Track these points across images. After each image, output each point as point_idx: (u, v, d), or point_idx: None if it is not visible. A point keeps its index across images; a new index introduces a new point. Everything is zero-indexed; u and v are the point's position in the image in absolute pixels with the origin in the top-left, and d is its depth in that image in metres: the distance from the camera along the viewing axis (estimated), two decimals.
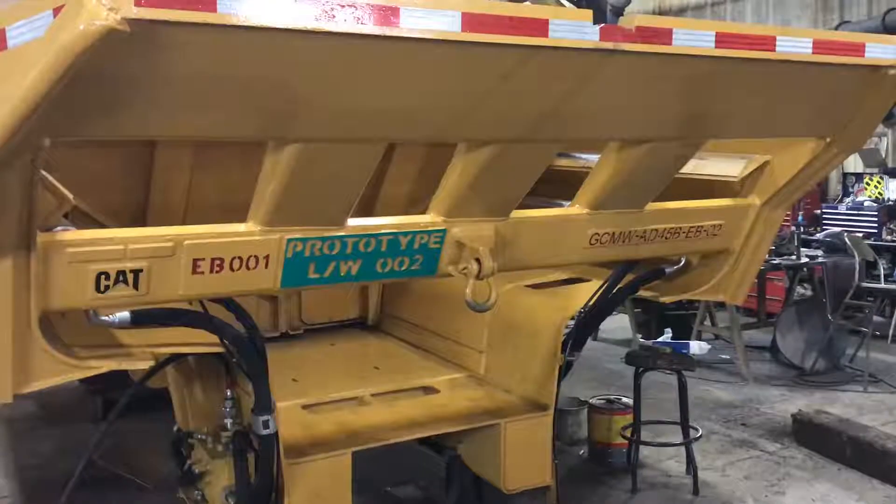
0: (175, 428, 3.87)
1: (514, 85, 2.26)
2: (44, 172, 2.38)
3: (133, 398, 3.32)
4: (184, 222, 3.94)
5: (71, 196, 2.42)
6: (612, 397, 4.98)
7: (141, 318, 2.74)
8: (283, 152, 2.41)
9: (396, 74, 2.15)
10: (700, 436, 4.80)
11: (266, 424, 2.99)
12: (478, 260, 2.90)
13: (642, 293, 3.81)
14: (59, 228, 2.43)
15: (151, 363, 2.76)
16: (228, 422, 3.39)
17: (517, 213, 3.07)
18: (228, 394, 3.40)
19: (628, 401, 4.88)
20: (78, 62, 1.70)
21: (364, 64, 2.09)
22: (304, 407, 3.75)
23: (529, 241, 3.13)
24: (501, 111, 2.45)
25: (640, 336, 6.86)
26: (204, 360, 3.49)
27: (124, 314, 2.71)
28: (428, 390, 4.02)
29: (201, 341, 3.00)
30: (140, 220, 4.18)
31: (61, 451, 5.21)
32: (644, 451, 4.83)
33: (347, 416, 3.64)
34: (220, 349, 2.98)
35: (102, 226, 3.83)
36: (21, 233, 2.24)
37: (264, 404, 3.00)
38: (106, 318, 2.68)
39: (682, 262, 3.79)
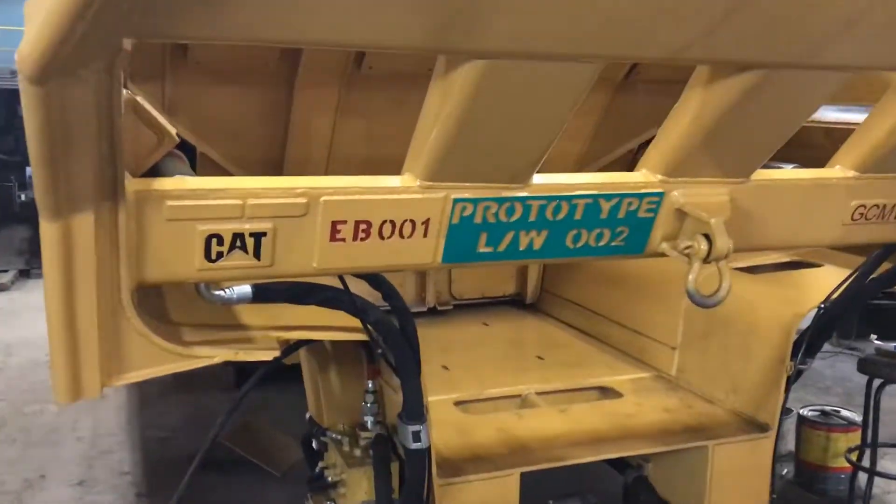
0: (307, 415, 3.32)
1: None
2: (139, 100, 1.78)
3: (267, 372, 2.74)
4: None
5: (174, 131, 1.81)
6: (827, 408, 4.07)
7: (265, 295, 2.14)
8: (457, 74, 1.71)
9: None
10: None
11: (417, 437, 2.33)
12: (707, 236, 2.12)
13: None
14: (178, 176, 1.83)
15: (276, 354, 2.15)
16: (369, 420, 2.77)
17: (760, 175, 2.25)
18: (370, 385, 2.77)
19: (849, 415, 3.96)
20: None
21: None
22: (457, 403, 3.09)
23: (774, 214, 2.32)
24: (780, 15, 1.65)
25: (874, 337, 5.70)
26: (341, 342, 2.89)
27: (244, 289, 2.11)
28: (607, 392, 3.28)
29: (339, 325, 2.37)
30: (277, 175, 3.62)
31: (188, 423, 4.82)
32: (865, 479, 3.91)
33: (510, 420, 2.95)
34: (362, 336, 2.34)
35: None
36: (103, 177, 1.65)
37: (415, 411, 2.34)
38: (222, 293, 2.08)
39: None
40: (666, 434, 2.86)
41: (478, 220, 2.04)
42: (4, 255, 9.76)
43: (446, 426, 2.82)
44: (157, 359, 1.98)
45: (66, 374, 1.89)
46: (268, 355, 2.11)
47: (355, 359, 2.93)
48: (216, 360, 2.04)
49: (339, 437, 2.81)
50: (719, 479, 2.81)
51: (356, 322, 2.34)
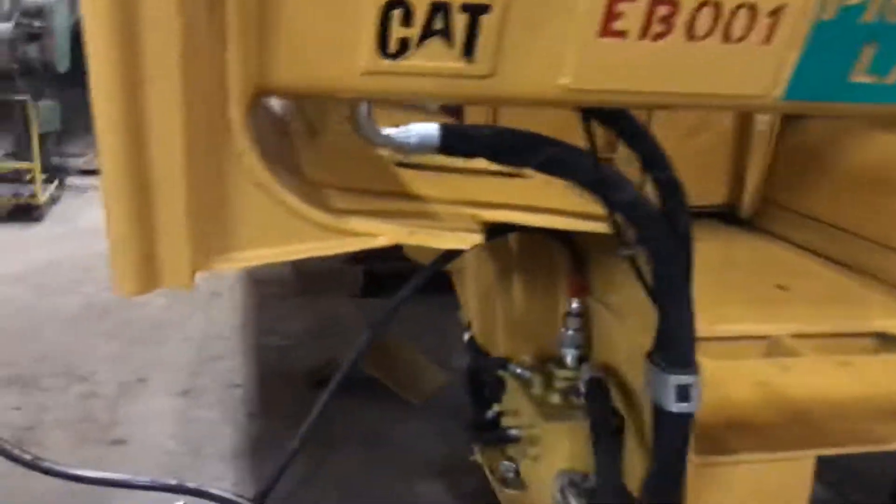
0: (465, 337, 2.52)
1: None
2: None
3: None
4: None
5: None
6: None
7: (459, 142, 1.29)
8: None
9: None
10: None
11: (683, 394, 1.45)
12: None
13: None
14: None
15: (476, 239, 1.29)
16: (569, 354, 1.93)
17: None
18: (573, 305, 1.92)
19: None
20: None
21: None
22: None
23: None
24: None
25: None
26: (531, 237, 2.06)
27: (428, 129, 1.27)
28: (890, 341, 2.30)
29: (567, 210, 1.50)
30: None
31: (308, 332, 4.14)
32: None
33: (772, 372, 2.03)
34: (600, 227, 1.46)
35: None
36: None
37: (683, 353, 1.46)
38: (391, 132, 1.25)
39: None
40: None
41: (869, 16, 1.11)
42: None
43: None
44: (289, 231, 1.16)
45: (132, 249, 1.11)
46: (463, 240, 1.26)
47: (549, 265, 2.08)
48: (381, 242, 1.21)
49: (527, 373, 1.98)
50: None
51: (591, 207, 1.47)
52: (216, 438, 3.03)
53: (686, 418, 1.46)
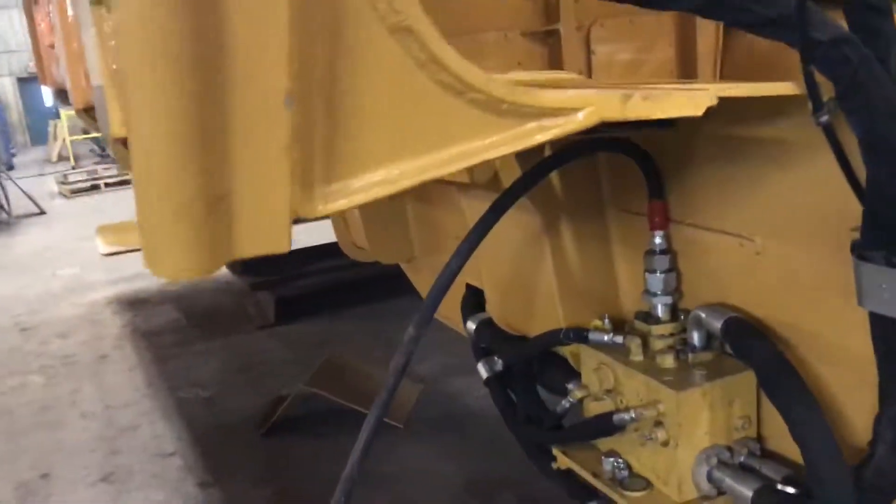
0: (471, 324, 2.06)
1: None
2: None
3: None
4: None
5: None
6: None
7: None
8: None
9: None
10: None
11: None
12: None
13: None
14: None
15: (712, 102, 0.83)
16: (660, 304, 1.53)
17: None
18: (657, 241, 1.51)
19: None
20: None
21: None
22: None
23: None
24: None
25: None
26: (573, 172, 1.63)
27: None
28: None
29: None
30: None
31: (230, 375, 3.51)
32: None
33: None
34: (792, 89, 1.03)
35: None
36: None
37: None
38: None
39: None
40: None
41: None
42: None
43: None
44: (449, 122, 0.66)
45: (183, 189, 0.57)
46: (696, 102, 0.80)
47: (593, 202, 1.66)
48: (584, 121, 0.73)
49: (620, 339, 1.53)
50: None
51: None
52: None
53: None
